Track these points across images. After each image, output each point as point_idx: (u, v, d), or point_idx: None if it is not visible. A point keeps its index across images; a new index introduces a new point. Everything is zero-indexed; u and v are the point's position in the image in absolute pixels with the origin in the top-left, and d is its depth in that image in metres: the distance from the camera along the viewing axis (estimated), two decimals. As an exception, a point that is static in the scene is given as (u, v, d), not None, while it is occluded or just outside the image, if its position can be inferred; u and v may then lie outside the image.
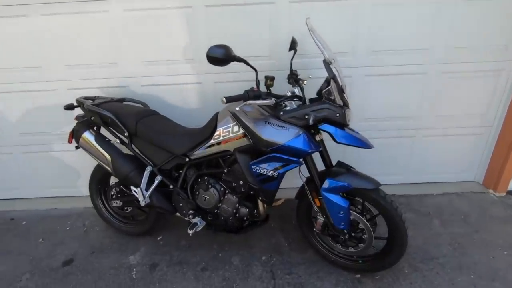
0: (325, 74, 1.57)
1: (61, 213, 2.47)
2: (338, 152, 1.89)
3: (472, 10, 2.04)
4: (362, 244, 1.66)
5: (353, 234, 1.65)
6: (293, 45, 1.72)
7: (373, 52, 2.15)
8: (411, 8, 2.03)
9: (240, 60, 1.38)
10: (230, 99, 1.34)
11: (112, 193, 2.05)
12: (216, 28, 2.08)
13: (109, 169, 1.84)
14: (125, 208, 2.07)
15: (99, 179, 2.12)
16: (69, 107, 1.89)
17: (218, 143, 1.63)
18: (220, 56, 1.32)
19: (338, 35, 2.07)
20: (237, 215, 1.75)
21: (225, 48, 1.33)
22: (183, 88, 2.25)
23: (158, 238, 2.14)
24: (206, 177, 1.76)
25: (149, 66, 2.19)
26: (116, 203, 2.04)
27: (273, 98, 1.44)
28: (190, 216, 1.82)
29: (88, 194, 2.20)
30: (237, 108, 1.41)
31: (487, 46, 2.14)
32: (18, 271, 1.92)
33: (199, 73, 2.21)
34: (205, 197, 1.74)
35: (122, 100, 2.04)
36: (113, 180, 2.13)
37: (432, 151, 2.49)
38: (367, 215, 1.64)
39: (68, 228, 2.30)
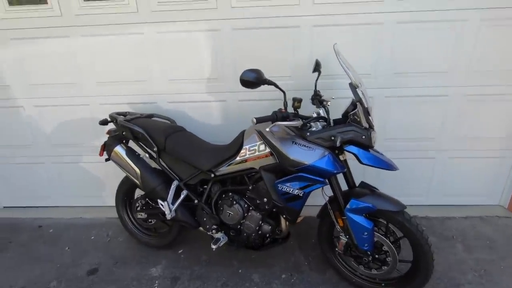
0: (347, 95, 1.62)
1: (86, 223, 2.56)
2: (358, 172, 1.90)
3: (492, 34, 2.06)
4: (385, 267, 1.65)
5: (376, 256, 1.64)
6: (317, 67, 1.79)
7: (394, 74, 2.19)
8: (431, 32, 2.07)
9: (270, 83, 1.45)
10: (260, 120, 1.40)
11: (137, 205, 2.12)
12: (241, 50, 2.18)
13: (137, 182, 1.92)
14: (149, 220, 2.13)
15: (125, 191, 2.20)
16: (103, 122, 1.99)
17: (244, 161, 1.69)
18: (253, 80, 1.39)
19: (360, 57, 2.13)
20: (259, 232, 1.78)
21: (257, 72, 1.41)
22: (208, 105, 2.35)
23: (179, 252, 2.18)
24: (230, 193, 1.81)
25: (177, 84, 2.30)
26: (141, 215, 2.10)
27: (300, 119, 1.49)
28: (213, 231, 1.86)
29: (113, 205, 2.28)
30: (267, 129, 1.47)
31: (506, 70, 2.14)
32: (46, 278, 1.99)
33: (224, 91, 2.30)
34: (229, 213, 1.78)
35: (151, 116, 2.14)
36: (138, 192, 2.21)
37: (454, 173, 2.46)
38: (391, 237, 1.63)
39: (92, 238, 2.37)
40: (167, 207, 1.84)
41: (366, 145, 1.50)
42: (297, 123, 1.47)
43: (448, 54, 2.12)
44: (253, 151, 1.65)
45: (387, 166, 1.50)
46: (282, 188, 1.58)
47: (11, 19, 2.18)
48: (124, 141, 2.03)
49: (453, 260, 2.01)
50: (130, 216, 2.26)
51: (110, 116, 2.03)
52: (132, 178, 1.93)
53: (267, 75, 1.47)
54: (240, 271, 1.99)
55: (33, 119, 2.49)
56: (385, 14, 2.04)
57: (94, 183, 2.68)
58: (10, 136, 2.55)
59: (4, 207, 2.83)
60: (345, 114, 1.55)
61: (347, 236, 1.66)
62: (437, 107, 2.27)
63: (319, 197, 1.71)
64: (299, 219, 2.34)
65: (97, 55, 2.26)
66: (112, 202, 2.33)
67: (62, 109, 2.44)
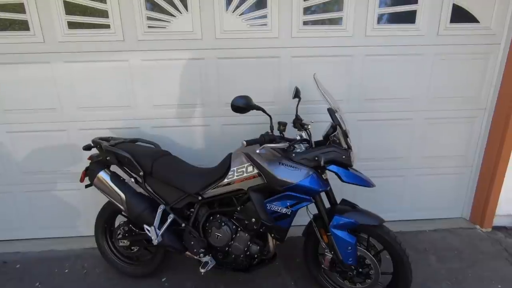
0: (324, 119, 1.77)
1: (59, 255, 2.39)
2: (336, 190, 2.03)
3: (446, 67, 2.38)
4: (369, 280, 1.73)
5: (360, 270, 1.73)
6: (297, 94, 1.93)
7: (365, 100, 2.42)
8: (395, 64, 2.35)
9: (258, 108, 1.56)
10: (249, 142, 1.49)
11: (119, 233, 2.05)
12: (225, 77, 2.30)
13: (122, 207, 1.88)
14: (132, 248, 2.06)
15: (106, 218, 2.12)
16: (87, 148, 1.96)
17: (232, 182, 1.74)
18: (242, 105, 1.50)
19: (334, 84, 2.32)
20: (247, 253, 1.80)
21: (247, 98, 1.52)
22: (192, 130, 2.40)
23: (163, 280, 2.11)
24: (218, 215, 1.83)
25: (161, 109, 2.35)
26: (124, 242, 2.03)
27: (286, 142, 1.60)
28: (201, 254, 1.85)
29: (88, 234, 2.19)
30: (257, 151, 1.55)
31: (460, 97, 2.46)
32: (14, 318, 1.82)
33: (208, 116, 2.38)
34: (218, 235, 1.79)
35: (135, 140, 2.14)
36: (119, 219, 2.14)
37: (422, 190, 2.69)
38: (372, 251, 1.74)
39: (66, 271, 2.22)
40: (154, 232, 1.81)
41: (346, 164, 1.63)
42: (284, 145, 1.58)
43: (410, 83, 2.40)
44: (241, 173, 1.71)
45: (366, 183, 1.63)
46: (271, 207, 1.65)
47: (-14, 44, 2.14)
48: (107, 166, 2.00)
49: (428, 271, 2.15)
50: (110, 244, 2.16)
51: (93, 141, 2.00)
52: (116, 203, 1.89)
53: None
54: (227, 295, 1.96)
55: (4, 146, 2.37)
56: (354, 48, 2.29)
57: (67, 212, 2.54)
58: (-24, 164, 2.39)
59: (-38, 242, 2.57)
60: (326, 137, 1.70)
61: (332, 252, 1.74)
62: (404, 129, 2.51)
63: (302, 217, 1.79)
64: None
65: (78, 80, 2.25)
66: (87, 231, 2.24)
67: (37, 135, 2.36)
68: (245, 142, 1.47)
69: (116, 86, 2.28)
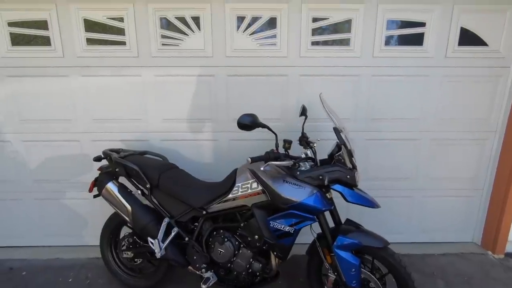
0: (330, 137, 1.79)
1: (64, 264, 2.42)
2: (342, 209, 2.01)
3: (454, 89, 2.39)
4: (373, 304, 1.69)
5: (364, 293, 1.69)
6: (304, 112, 1.96)
7: (372, 119, 2.43)
8: (402, 84, 2.37)
9: (264, 126, 1.59)
10: (254, 159, 1.52)
11: (123, 244, 2.07)
12: (234, 94, 2.35)
13: (127, 219, 1.91)
14: (135, 260, 2.07)
15: (112, 229, 2.15)
16: (97, 159, 2.02)
17: (236, 198, 1.75)
18: (249, 123, 1.53)
19: (341, 103, 2.35)
20: (250, 270, 1.79)
21: (253, 116, 1.55)
22: (200, 144, 2.44)
23: (164, 294, 2.10)
24: (221, 231, 1.83)
25: (171, 123, 2.41)
26: (127, 254, 2.05)
27: (291, 160, 1.61)
28: (203, 270, 1.85)
29: (94, 244, 2.21)
30: (262, 168, 1.57)
31: (469, 119, 2.45)
32: (16, 326, 1.83)
33: (216, 131, 2.43)
34: (220, 251, 1.79)
35: (144, 153, 2.19)
36: (125, 230, 2.17)
37: (430, 211, 2.63)
38: (376, 274, 1.70)
39: (70, 280, 2.24)
40: (157, 245, 1.82)
41: (351, 184, 1.63)
42: (288, 163, 1.59)
43: (417, 104, 2.41)
44: (246, 189, 1.73)
45: (370, 204, 1.62)
46: (274, 225, 1.64)
47: (11, 58, 2.26)
48: (115, 178, 2.04)
49: (435, 297, 2.08)
50: (115, 256, 2.18)
51: (104, 152, 2.06)
52: (122, 215, 1.92)
53: (259, 117, 1.62)
54: (228, 313, 1.93)
55: (18, 154, 2.46)
56: (362, 68, 2.33)
57: (75, 221, 2.59)
58: (-10, 171, 2.48)
59: (-28, 247, 2.63)
60: (331, 155, 1.70)
61: (336, 273, 1.71)
62: (411, 149, 2.50)
63: (305, 235, 1.78)
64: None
65: (94, 94, 2.35)
66: (93, 241, 2.27)
67: (51, 145, 2.44)
68: (250, 159, 1.50)
69: (129, 100, 2.36)
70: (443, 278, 2.26)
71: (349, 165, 1.63)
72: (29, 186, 2.53)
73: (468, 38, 2.30)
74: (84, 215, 2.58)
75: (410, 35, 2.30)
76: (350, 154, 1.65)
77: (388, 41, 2.30)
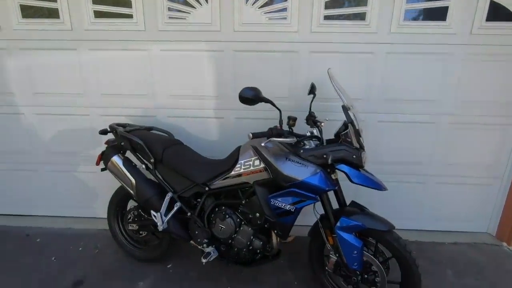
0: (340, 118, 1.70)
1: (75, 233, 2.52)
2: (350, 193, 1.95)
3: (475, 68, 2.20)
4: (374, 287, 1.65)
5: (365, 276, 1.65)
6: (312, 90, 1.88)
7: (385, 100, 2.30)
8: (420, 63, 2.21)
9: (267, 101, 1.53)
10: (256, 135, 1.47)
11: (129, 217, 2.12)
12: (241, 70, 2.28)
13: (132, 192, 1.94)
14: (140, 232, 2.12)
15: (118, 202, 2.20)
16: (103, 132, 2.04)
17: (239, 175, 1.73)
18: (251, 97, 1.48)
19: (353, 82, 2.24)
20: (250, 247, 1.79)
21: (255, 90, 1.49)
22: (206, 121, 2.42)
23: (168, 266, 2.15)
24: (223, 207, 1.83)
25: (177, 99, 2.38)
26: (132, 226, 2.10)
27: (294, 137, 1.56)
28: (204, 245, 1.86)
29: (104, 216, 2.27)
30: (263, 144, 1.53)
31: (493, 102, 2.27)
32: (29, 288, 1.94)
33: (222, 109, 2.38)
34: (221, 227, 1.79)
35: (150, 128, 2.19)
36: (131, 204, 2.21)
37: (444, 199, 2.52)
38: (380, 257, 1.65)
39: (80, 249, 2.33)
40: (160, 218, 1.84)
41: (357, 165, 1.56)
42: (291, 140, 1.54)
43: (436, 84, 2.25)
44: (248, 166, 1.70)
45: (377, 185, 1.55)
46: (275, 203, 1.61)
47: (22, 30, 2.28)
48: (121, 152, 2.06)
49: (441, 284, 2.01)
50: (121, 228, 2.24)
51: (110, 126, 2.07)
52: (127, 188, 1.95)
53: (266, 96, 1.56)
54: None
55: (33, 127, 2.53)
56: (377, 45, 2.19)
57: (86, 194, 2.67)
58: (6, 142, 2.57)
59: (-7, 214, 2.79)
60: (337, 134, 1.63)
61: (337, 255, 1.68)
62: (426, 133, 2.36)
63: (310, 216, 1.74)
64: (290, 239, 2.36)
65: (101, 68, 2.35)
66: (103, 213, 2.33)
67: (63, 118, 2.49)
68: (251, 134, 1.45)
69: (135, 75, 2.35)
70: (452, 268, 2.18)
71: (356, 145, 1.56)
72: (43, 158, 2.61)
73: (497, 12, 2.10)
74: (94, 188, 2.66)
75: (432, 9, 2.13)
76: (358, 134, 1.57)
77: (407, 15, 2.14)
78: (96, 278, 2.04)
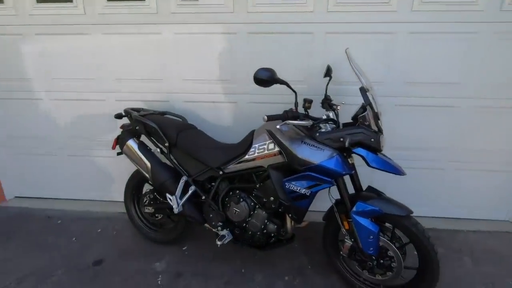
0: (356, 102, 1.65)
1: (94, 216, 2.60)
2: (366, 178, 1.91)
3: (503, 48, 2.07)
4: (390, 273, 1.63)
5: (381, 261, 1.63)
6: (328, 72, 1.83)
7: (405, 83, 2.21)
8: (443, 43, 2.10)
9: (282, 82, 1.49)
10: (271, 118, 1.44)
11: (145, 200, 2.16)
12: (255, 53, 2.23)
13: (147, 175, 1.96)
14: (156, 215, 2.16)
15: (134, 185, 2.24)
16: (118, 116, 2.06)
17: (253, 159, 1.71)
18: (266, 78, 1.44)
19: (371, 64, 2.15)
20: (264, 231, 1.79)
21: (271, 71, 1.45)
22: (219, 106, 2.40)
23: (183, 248, 2.20)
24: (237, 191, 1.83)
25: (191, 83, 2.37)
26: (148, 209, 2.14)
27: (310, 120, 1.52)
28: (219, 228, 1.88)
29: (121, 200, 2.33)
30: (278, 126, 1.50)
31: (521, 84, 2.14)
32: (52, 266, 2.02)
33: (235, 93, 2.35)
34: (236, 210, 1.80)
35: (163, 113, 2.20)
36: (146, 187, 2.25)
37: (463, 186, 2.44)
38: (396, 243, 1.63)
39: (99, 230, 2.41)
40: (175, 202, 1.87)
41: (374, 148, 1.51)
42: (307, 123, 1.50)
43: (459, 65, 2.14)
44: (262, 150, 1.68)
45: (395, 170, 1.50)
46: (290, 186, 1.60)
47: (37, 16, 2.30)
48: (136, 136, 2.08)
49: (460, 272, 1.97)
50: (137, 210, 2.29)
51: (125, 111, 2.09)
52: (142, 171, 1.98)
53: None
54: (243, 270, 1.99)
55: (51, 112, 2.58)
56: (398, 24, 2.08)
57: (104, 177, 2.73)
58: (26, 127, 2.64)
59: (16, 196, 2.90)
60: (355, 117, 1.58)
61: (352, 240, 1.66)
62: (447, 118, 2.27)
63: (325, 202, 1.72)
64: (304, 224, 2.35)
65: (116, 52, 2.35)
66: (120, 197, 2.38)
67: (79, 104, 2.53)
68: (266, 117, 1.43)
69: (149, 59, 2.34)
70: (470, 256, 2.13)
71: (374, 128, 1.51)
72: (61, 142, 2.68)
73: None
74: (111, 172, 2.71)
75: (459, -16, 1.99)
76: (376, 116, 1.52)
77: (431, -9, 2.02)
78: (115, 258, 2.10)
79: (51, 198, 2.85)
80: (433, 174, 2.43)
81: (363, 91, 1.53)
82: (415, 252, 1.61)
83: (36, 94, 2.53)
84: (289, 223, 1.80)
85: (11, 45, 2.40)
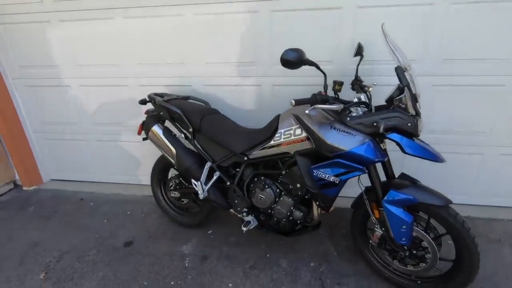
0: (389, 82, 1.53)
1: (123, 198, 2.70)
2: (397, 163, 1.80)
3: None
4: (423, 264, 1.56)
5: (414, 251, 1.56)
6: (359, 51, 1.70)
7: (443, 60, 2.02)
8: (489, 14, 1.87)
9: (311, 64, 1.39)
10: (298, 102, 1.36)
11: (171, 184, 2.19)
12: (279, 33, 2.12)
13: (172, 161, 1.97)
14: (182, 199, 2.19)
15: (160, 170, 2.27)
16: (143, 102, 2.06)
17: (278, 145, 1.66)
18: (293, 59, 1.35)
19: (405, 41, 1.97)
20: (290, 218, 1.76)
21: (299, 51, 1.36)
22: (242, 89, 2.33)
23: (209, 232, 2.23)
24: (263, 177, 1.80)
25: (213, 67, 2.31)
26: (174, 194, 2.17)
27: (341, 104, 1.42)
28: (244, 213, 1.88)
29: (147, 183, 2.38)
30: (306, 111, 1.42)
31: None
32: (87, 246, 2.14)
33: (259, 76, 2.27)
34: (261, 197, 1.77)
35: (187, 98, 2.18)
36: (172, 172, 2.28)
37: (504, 172, 2.25)
38: (431, 233, 1.54)
39: (128, 213, 2.50)
40: (200, 187, 1.87)
41: (411, 134, 1.40)
42: (338, 107, 1.41)
43: (506, 39, 1.91)
44: (289, 135, 1.61)
45: (434, 157, 1.39)
46: (318, 174, 1.54)
47: (61, 2, 2.30)
48: (161, 121, 2.08)
49: (499, 264, 1.85)
50: (164, 195, 2.34)
51: (149, 96, 2.08)
52: (168, 157, 1.99)
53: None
54: (268, 255, 1.99)
55: (78, 98, 2.64)
56: (439, -6, 1.87)
57: (131, 162, 2.80)
58: (58, 113, 2.74)
59: (52, 179, 3.07)
60: (390, 100, 1.45)
61: (383, 229, 1.59)
62: (491, 98, 2.06)
63: (351, 188, 1.64)
64: (330, 209, 2.29)
65: (137, 37, 2.32)
66: (147, 181, 2.44)
67: (104, 90, 2.57)
68: (293, 101, 1.35)
69: (171, 42, 2.29)
70: (511, 246, 2.00)
71: (412, 111, 1.39)
72: (90, 128, 2.75)
73: None
74: (138, 157, 2.77)
75: None
76: (415, 99, 1.39)
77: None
78: (144, 239, 2.18)
79: (84, 181, 2.98)
80: (471, 159, 2.26)
81: (401, 70, 1.39)
82: (450, 242, 1.52)
83: (64, 81, 2.59)
84: (315, 210, 1.75)
85: (38, 33, 2.44)
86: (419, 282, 1.64)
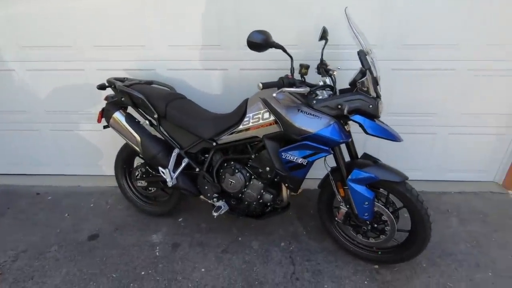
0: (353, 66, 1.57)
1: (85, 191, 2.55)
2: (359, 144, 1.89)
3: (506, 8, 1.98)
4: (383, 236, 1.69)
5: (375, 225, 1.68)
6: (324, 35, 1.72)
7: (403, 45, 2.13)
8: (444, 1, 1.99)
9: (278, 46, 1.39)
10: (266, 85, 1.36)
11: (137, 174, 2.10)
12: (245, 15, 2.07)
13: (137, 149, 1.89)
14: (149, 188, 2.12)
15: (124, 159, 2.17)
16: (101, 87, 1.92)
17: (247, 129, 1.66)
18: (260, 41, 1.33)
19: (367, 26, 2.02)
20: (260, 201, 1.80)
21: (265, 34, 1.35)
22: (209, 73, 2.27)
23: (179, 220, 2.20)
24: (232, 162, 1.79)
25: (177, 50, 2.21)
26: (141, 183, 2.10)
27: (307, 87, 1.45)
28: (214, 199, 1.87)
29: (111, 174, 2.27)
30: (274, 95, 1.42)
31: (517, 46, 2.09)
32: (47, 242, 2.01)
33: (226, 59, 2.22)
34: (231, 181, 1.78)
35: (150, 82, 2.07)
36: (138, 161, 2.19)
37: (453, 150, 2.47)
38: (390, 208, 1.66)
39: (92, 205, 2.38)
40: (168, 175, 1.82)
41: (372, 115, 1.47)
42: (304, 90, 1.43)
43: (459, 26, 2.05)
44: (257, 119, 1.62)
45: (393, 137, 1.48)
46: (286, 156, 1.57)
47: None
48: (122, 108, 1.97)
49: (447, 232, 2.07)
50: (130, 184, 2.25)
51: (108, 81, 1.95)
52: (132, 145, 1.90)
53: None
54: (239, 238, 2.02)
55: (26, 84, 2.40)
56: (397, -20, 1.94)
57: (91, 152, 2.64)
58: (4, 101, 2.47)
59: (1, 173, 2.79)
60: (353, 83, 1.51)
61: (348, 206, 1.68)
62: (443, 81, 2.23)
63: (318, 170, 1.71)
64: (298, 191, 2.37)
65: (91, 16, 2.13)
66: (110, 171, 2.32)
67: (56, 74, 2.35)
68: (261, 84, 1.34)
69: (129, 23, 2.14)
70: (457, 216, 2.23)
71: (373, 94, 1.45)
72: (43, 117, 2.53)
73: None
74: (98, 146, 2.62)
75: None
76: (376, 81, 1.46)
77: None
78: (111, 231, 2.10)
79: (37, 175, 2.76)
80: (424, 139, 2.44)
81: (363, 54, 1.44)
82: (406, 215, 1.66)
83: (7, 64, 2.32)
84: (285, 192, 1.80)
85: (-28, 9, 2.15)
86: (379, 252, 1.78)
